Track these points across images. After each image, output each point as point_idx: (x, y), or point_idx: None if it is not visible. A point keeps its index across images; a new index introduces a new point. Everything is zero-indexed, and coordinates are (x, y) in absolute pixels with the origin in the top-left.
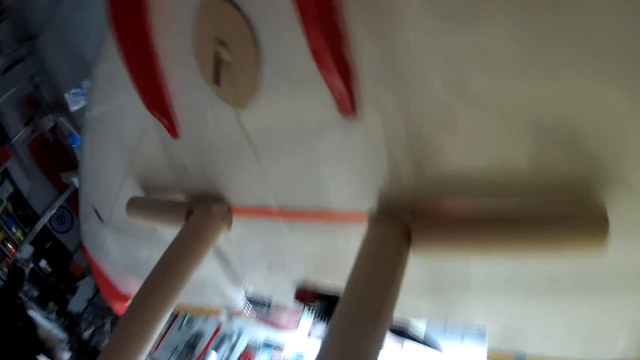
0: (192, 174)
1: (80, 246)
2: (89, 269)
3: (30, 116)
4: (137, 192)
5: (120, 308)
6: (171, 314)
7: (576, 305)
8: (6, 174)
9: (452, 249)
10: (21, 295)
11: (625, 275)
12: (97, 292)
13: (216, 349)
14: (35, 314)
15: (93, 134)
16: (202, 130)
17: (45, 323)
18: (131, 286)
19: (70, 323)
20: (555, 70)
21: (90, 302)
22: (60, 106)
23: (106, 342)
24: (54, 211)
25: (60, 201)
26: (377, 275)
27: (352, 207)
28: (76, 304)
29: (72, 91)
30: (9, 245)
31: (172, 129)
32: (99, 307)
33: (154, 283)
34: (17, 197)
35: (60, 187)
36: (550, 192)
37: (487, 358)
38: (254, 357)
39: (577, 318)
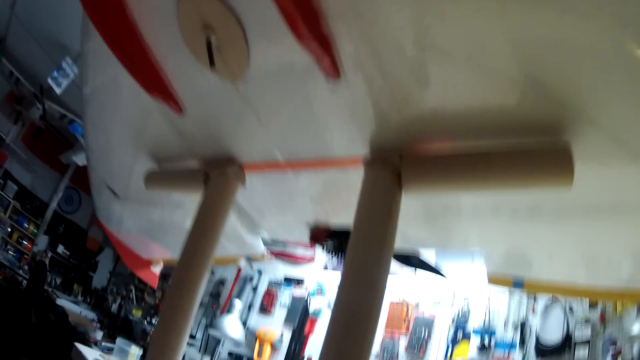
0: (201, 141)
1: (92, 221)
2: (106, 241)
3: (17, 111)
4: (150, 165)
5: (145, 274)
6: None
7: (567, 231)
8: (7, 175)
9: (436, 186)
10: (46, 287)
11: (615, 202)
12: (116, 262)
13: (239, 296)
14: (63, 301)
15: (92, 112)
16: (205, 102)
17: (73, 307)
18: (153, 251)
19: (96, 300)
20: (517, 10)
21: (112, 273)
22: (45, 92)
23: (160, 306)
24: (61, 194)
25: (65, 182)
26: (376, 213)
27: (349, 154)
28: (99, 278)
29: (53, 74)
30: (24, 242)
31: (176, 106)
32: (122, 275)
33: (193, 248)
34: (22, 193)
35: (62, 169)
36: (523, 133)
37: (488, 281)
38: (276, 295)
39: (575, 243)
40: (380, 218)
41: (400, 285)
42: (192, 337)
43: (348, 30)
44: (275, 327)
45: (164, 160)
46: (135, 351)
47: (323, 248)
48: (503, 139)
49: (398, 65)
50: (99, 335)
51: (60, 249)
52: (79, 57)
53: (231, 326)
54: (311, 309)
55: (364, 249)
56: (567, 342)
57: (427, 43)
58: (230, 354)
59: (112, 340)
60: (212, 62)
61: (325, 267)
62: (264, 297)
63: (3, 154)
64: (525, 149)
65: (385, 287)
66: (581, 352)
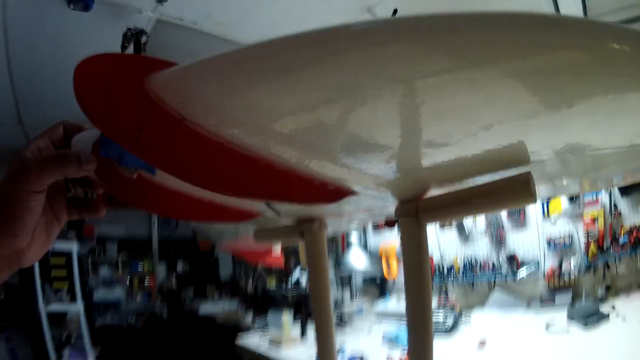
0: (296, 211)
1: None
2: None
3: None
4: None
5: (270, 261)
6: None
7: None
8: (103, 240)
9: (444, 218)
10: (185, 306)
11: None
12: None
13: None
14: (205, 308)
15: None
16: None
17: (215, 308)
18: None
19: (232, 290)
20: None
21: (234, 259)
22: None
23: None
24: (156, 224)
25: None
26: (408, 246)
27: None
28: (225, 270)
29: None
30: (146, 281)
31: None
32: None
33: (317, 285)
34: (124, 244)
35: None
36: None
37: None
38: None
39: None
40: (413, 249)
41: None
42: None
43: None
44: (392, 238)
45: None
46: (286, 318)
47: None
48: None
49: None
50: (248, 319)
51: (180, 267)
52: None
53: (355, 259)
54: None
55: (409, 276)
56: None
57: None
58: (364, 280)
59: (262, 316)
60: None
61: None
62: None
63: (89, 227)
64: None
65: (430, 295)
66: None
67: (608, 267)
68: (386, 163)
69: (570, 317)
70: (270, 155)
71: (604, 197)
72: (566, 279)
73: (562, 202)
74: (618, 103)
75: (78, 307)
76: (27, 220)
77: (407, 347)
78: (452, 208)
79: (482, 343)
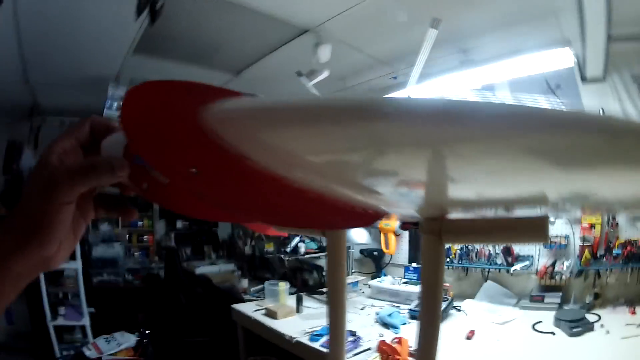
0: None
1: None
2: None
3: None
4: None
5: (271, 232)
6: None
7: None
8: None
9: (465, 241)
10: (182, 264)
11: None
12: None
13: None
14: (201, 268)
15: None
16: None
17: (212, 268)
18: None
19: (229, 251)
20: None
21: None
22: None
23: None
24: None
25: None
26: (428, 260)
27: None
28: (223, 230)
29: (107, 105)
30: (145, 238)
31: None
32: None
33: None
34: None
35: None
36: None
37: None
38: None
39: None
40: (432, 262)
41: None
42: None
43: None
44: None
45: None
46: (283, 286)
47: None
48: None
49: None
50: (244, 283)
51: (179, 224)
52: (117, 78)
53: (356, 232)
54: None
55: (425, 285)
56: None
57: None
58: (361, 251)
59: (258, 281)
60: None
61: None
62: None
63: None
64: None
65: (441, 302)
66: None
67: (599, 275)
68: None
69: (557, 324)
70: (320, 188)
71: None
72: (557, 279)
73: None
74: (627, 170)
75: (77, 265)
76: (58, 232)
77: (415, 344)
78: (473, 236)
79: (471, 333)
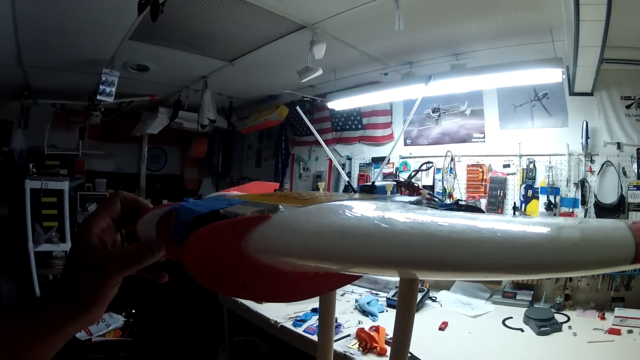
0: None
1: (185, 164)
2: (202, 174)
3: (78, 123)
4: None
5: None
6: None
7: None
8: (92, 174)
9: None
10: None
11: None
12: (216, 188)
13: (337, 184)
14: None
15: None
16: None
17: None
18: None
19: None
20: None
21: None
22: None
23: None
24: (146, 159)
25: (145, 147)
26: (405, 302)
27: None
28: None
29: (101, 90)
30: None
31: None
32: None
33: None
34: (112, 178)
35: (139, 140)
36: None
37: None
38: (369, 176)
39: None
40: (406, 302)
41: (473, 150)
42: None
43: None
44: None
45: None
46: None
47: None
48: None
49: None
50: None
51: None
52: (111, 62)
53: None
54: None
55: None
56: (621, 203)
57: None
58: None
59: None
60: None
61: (405, 143)
62: (358, 180)
63: (80, 162)
64: None
65: (416, 301)
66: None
67: (570, 277)
68: None
69: (526, 321)
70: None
71: (580, 211)
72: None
73: (539, 207)
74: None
75: (66, 247)
76: (106, 306)
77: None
78: None
79: (444, 324)
